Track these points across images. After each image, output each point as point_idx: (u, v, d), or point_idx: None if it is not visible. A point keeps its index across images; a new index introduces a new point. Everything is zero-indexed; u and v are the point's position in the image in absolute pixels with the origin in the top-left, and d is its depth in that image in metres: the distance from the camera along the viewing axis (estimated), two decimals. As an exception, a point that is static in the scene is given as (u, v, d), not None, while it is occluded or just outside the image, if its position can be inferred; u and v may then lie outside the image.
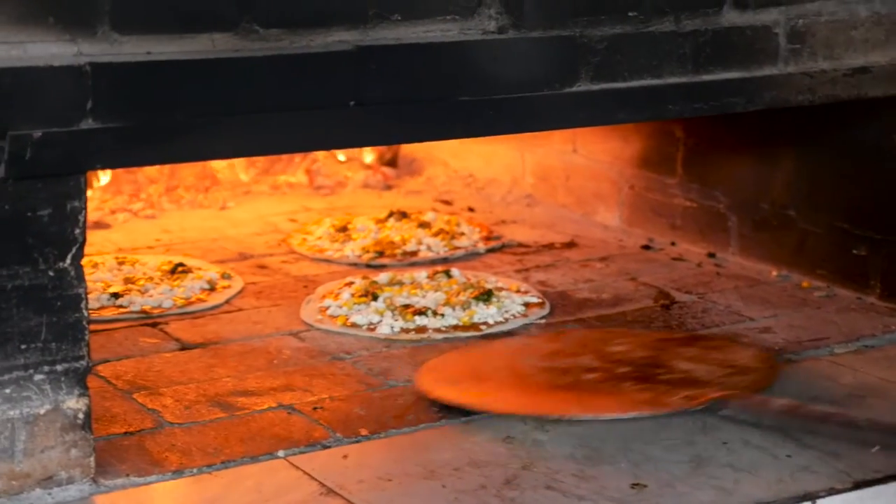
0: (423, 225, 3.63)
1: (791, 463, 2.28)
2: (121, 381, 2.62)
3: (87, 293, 2.16)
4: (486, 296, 3.02)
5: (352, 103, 2.31)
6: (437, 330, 2.89)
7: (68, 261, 2.13)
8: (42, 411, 2.14)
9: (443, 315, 2.94)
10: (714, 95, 2.63)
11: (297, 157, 4.23)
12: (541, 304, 3.06)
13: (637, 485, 2.21)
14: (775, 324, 2.97)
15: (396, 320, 2.91)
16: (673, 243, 3.57)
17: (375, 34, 2.34)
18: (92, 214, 3.76)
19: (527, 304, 3.04)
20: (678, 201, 3.56)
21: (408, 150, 4.36)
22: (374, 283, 3.12)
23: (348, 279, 3.19)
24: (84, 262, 3.28)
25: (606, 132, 3.71)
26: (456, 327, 2.91)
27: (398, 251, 3.47)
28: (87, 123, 2.10)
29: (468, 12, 2.41)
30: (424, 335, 2.86)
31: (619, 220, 3.74)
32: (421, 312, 2.93)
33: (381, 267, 3.37)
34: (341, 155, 4.31)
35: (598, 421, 2.44)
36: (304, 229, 3.67)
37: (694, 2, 2.59)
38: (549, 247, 3.58)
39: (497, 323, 2.95)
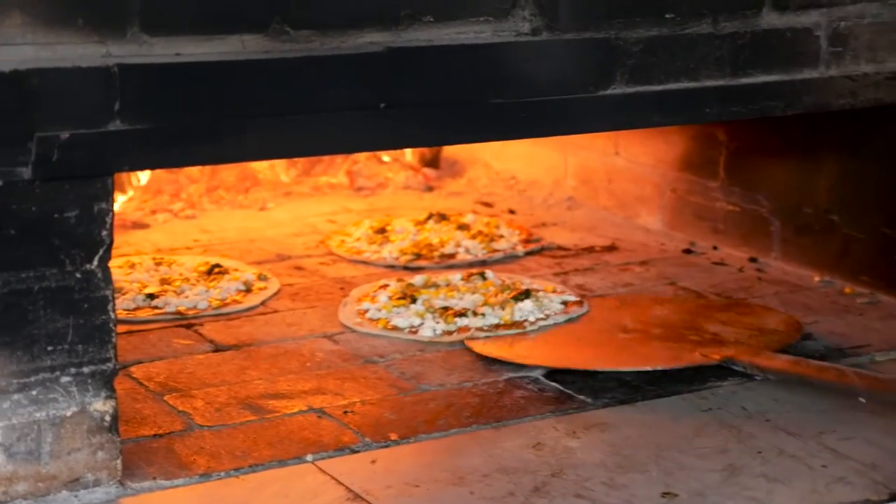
0: (462, 227, 3.61)
1: (826, 473, 2.24)
2: (153, 383, 2.62)
3: (114, 295, 2.15)
4: (523, 295, 3.00)
5: (382, 105, 2.29)
6: (480, 329, 2.87)
7: (95, 262, 2.12)
8: (69, 413, 2.13)
9: (483, 315, 2.92)
10: (752, 99, 2.60)
11: (339, 159, 4.21)
12: (579, 303, 3.03)
13: (668, 494, 2.18)
14: (816, 330, 2.93)
15: (438, 322, 2.89)
16: (715, 247, 3.54)
17: (407, 35, 2.32)
18: (132, 215, 3.78)
19: (565, 303, 3.02)
20: (720, 205, 3.52)
21: (450, 151, 4.34)
22: (411, 285, 3.11)
23: (382, 281, 3.18)
24: (121, 262, 3.31)
25: (649, 135, 3.67)
26: (498, 326, 2.89)
27: (436, 253, 3.45)
28: (115, 125, 2.09)
29: (502, 14, 2.39)
30: (468, 334, 2.85)
31: (661, 223, 3.70)
32: (461, 314, 2.91)
33: (419, 269, 3.35)
34: (385, 156, 4.30)
35: (629, 426, 2.41)
36: (342, 231, 3.66)
37: (732, 3, 2.55)
38: (589, 250, 3.55)
39: (538, 320, 2.93)
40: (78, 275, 2.11)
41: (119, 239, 3.56)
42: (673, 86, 2.52)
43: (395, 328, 2.91)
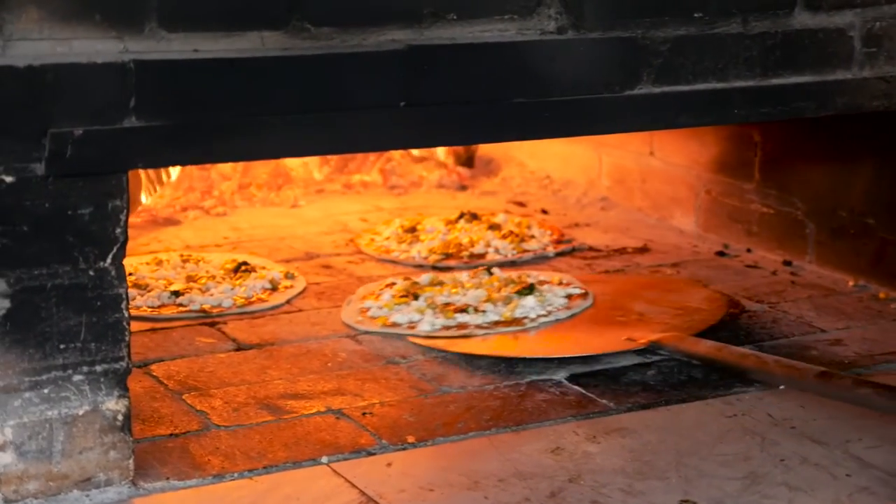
0: (494, 227, 3.57)
1: (850, 483, 2.19)
2: (172, 382, 2.60)
3: (128, 293, 2.13)
4: (527, 290, 2.97)
5: (402, 104, 2.26)
6: (479, 326, 2.84)
7: (109, 260, 2.10)
8: (81, 412, 2.12)
9: (484, 311, 2.88)
10: (783, 100, 2.55)
11: (372, 156, 4.19)
12: (583, 296, 3.00)
13: (686, 501, 2.14)
14: (847, 336, 2.88)
15: (437, 318, 2.86)
16: (749, 250, 3.49)
17: (430, 34, 2.29)
18: (162, 211, 3.77)
19: (569, 296, 3.00)
20: (755, 207, 3.48)
21: (485, 150, 4.31)
22: (416, 283, 3.07)
23: (389, 280, 3.15)
24: (149, 259, 3.30)
25: (683, 135, 3.63)
26: (497, 323, 2.86)
27: (465, 253, 3.42)
28: (130, 122, 2.07)
29: (527, 12, 2.35)
30: (466, 331, 2.82)
31: (695, 225, 3.66)
32: (462, 310, 2.88)
33: (448, 269, 3.32)
34: (418, 153, 4.27)
35: (650, 432, 2.37)
36: (372, 229, 3.64)
37: (763, 3, 2.51)
38: (621, 251, 3.51)
39: (539, 316, 2.90)
40: (91, 272, 2.09)
41: (149, 235, 3.57)
42: (701, 86, 2.48)
43: (395, 325, 2.88)
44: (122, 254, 2.11)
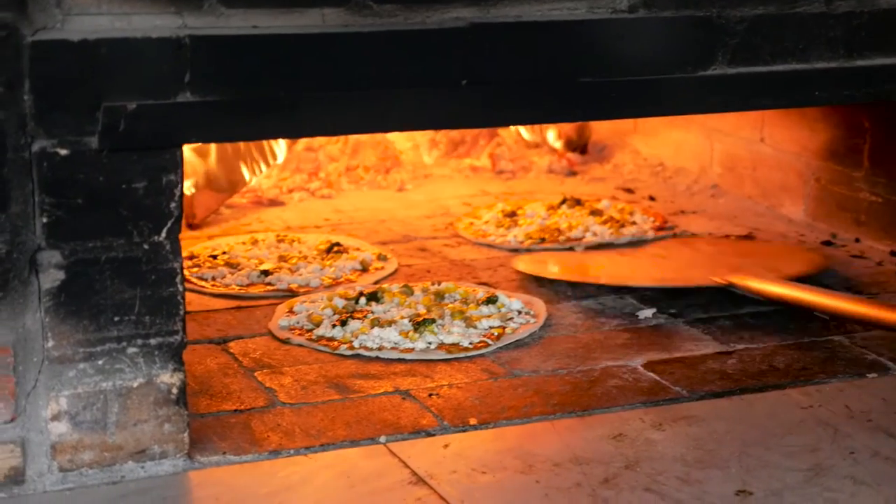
0: (595, 213, 3.53)
1: (918, 478, 2.12)
2: (247, 359, 2.61)
3: (182, 268, 2.14)
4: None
5: (464, 82, 2.23)
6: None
7: (163, 234, 2.11)
8: (135, 384, 2.13)
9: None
10: (869, 82, 2.47)
11: (482, 141, 4.17)
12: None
13: (742, 492, 2.08)
14: (945, 329, 2.78)
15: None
16: (857, 240, 3.39)
17: (497, 11, 2.27)
18: (267, 192, 3.79)
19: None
20: (863, 195, 3.37)
21: (599, 136, 4.26)
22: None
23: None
24: (245, 238, 3.32)
25: (794, 121, 3.53)
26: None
27: (562, 237, 3.38)
28: (184, 97, 2.08)
29: (599, -10, 2.31)
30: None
31: (804, 213, 3.56)
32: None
33: (542, 251, 3.28)
34: (527, 134, 4.23)
35: (719, 421, 2.31)
36: (473, 213, 3.61)
37: (850, -18, 2.43)
38: (724, 238, 3.43)
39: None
40: (146, 246, 2.11)
41: (252, 216, 3.60)
42: (780, 67, 2.41)
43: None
44: (177, 228, 2.12)
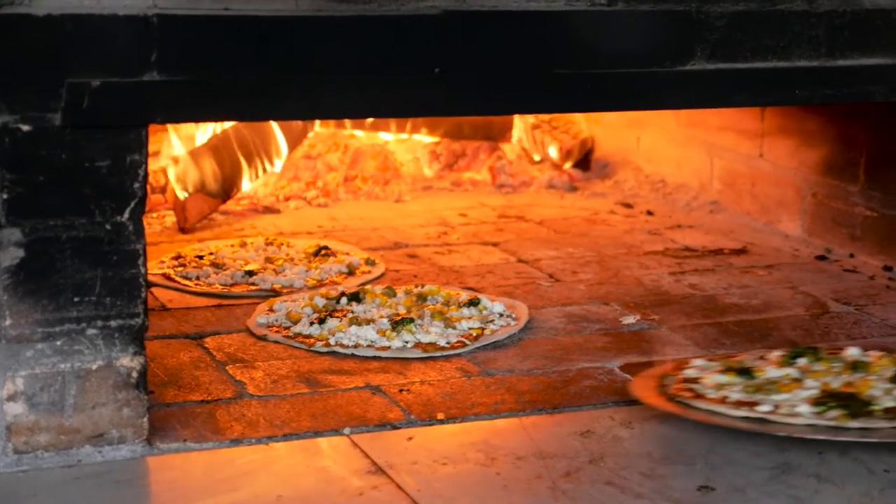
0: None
1: (886, 478, 2.07)
2: (221, 353, 2.59)
3: (145, 250, 2.12)
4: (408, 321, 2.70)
5: (437, 70, 2.21)
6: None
7: (126, 215, 2.09)
8: (94, 367, 2.11)
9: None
10: (849, 82, 2.44)
11: (482, 154, 4.15)
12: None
13: (705, 487, 2.04)
14: (934, 345, 2.73)
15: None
16: (851, 255, 3.34)
17: (472, 0, 2.24)
18: (263, 199, 3.78)
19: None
20: (859, 210, 3.33)
21: (602, 153, 4.23)
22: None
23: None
24: (234, 241, 3.30)
25: (792, 136, 3.50)
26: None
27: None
28: (151, 76, 2.06)
29: (578, -18, 2.29)
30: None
31: (801, 229, 3.52)
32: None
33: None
34: (536, 155, 4.21)
35: (692, 421, 2.27)
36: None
37: (832, -19, 2.40)
38: (717, 252, 3.40)
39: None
40: (108, 226, 2.09)
41: (245, 222, 3.59)
42: (760, 64, 2.38)
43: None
44: (140, 209, 2.10)
